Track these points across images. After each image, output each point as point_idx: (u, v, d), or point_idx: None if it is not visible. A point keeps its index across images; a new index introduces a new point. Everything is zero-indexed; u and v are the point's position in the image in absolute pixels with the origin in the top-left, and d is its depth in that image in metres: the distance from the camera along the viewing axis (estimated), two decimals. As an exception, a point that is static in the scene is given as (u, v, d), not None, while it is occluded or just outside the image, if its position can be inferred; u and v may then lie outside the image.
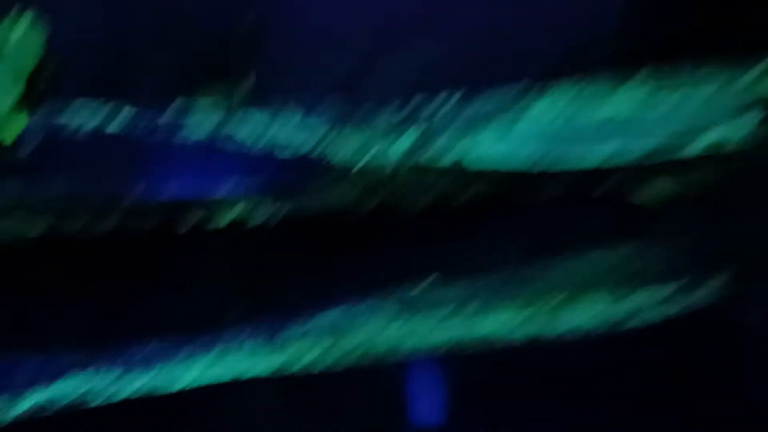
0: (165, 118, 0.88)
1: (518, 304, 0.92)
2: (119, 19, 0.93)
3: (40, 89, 0.76)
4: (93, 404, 0.83)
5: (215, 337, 0.89)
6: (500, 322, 0.90)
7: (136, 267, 0.90)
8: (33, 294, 0.86)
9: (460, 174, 0.92)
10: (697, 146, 0.93)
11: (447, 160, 0.91)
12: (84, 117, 0.85)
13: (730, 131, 0.93)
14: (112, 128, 0.86)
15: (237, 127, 0.90)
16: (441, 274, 0.93)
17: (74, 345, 0.86)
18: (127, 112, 0.86)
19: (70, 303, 0.87)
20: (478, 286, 0.93)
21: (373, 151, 0.91)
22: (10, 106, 0.74)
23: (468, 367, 0.90)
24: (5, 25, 0.72)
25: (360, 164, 0.91)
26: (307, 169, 0.90)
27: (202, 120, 0.89)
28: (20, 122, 0.73)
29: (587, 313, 0.91)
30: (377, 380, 0.90)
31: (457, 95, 0.94)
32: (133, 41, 0.94)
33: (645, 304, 0.92)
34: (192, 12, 0.96)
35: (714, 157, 0.93)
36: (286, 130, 0.91)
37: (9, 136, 0.74)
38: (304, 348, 0.88)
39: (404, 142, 0.92)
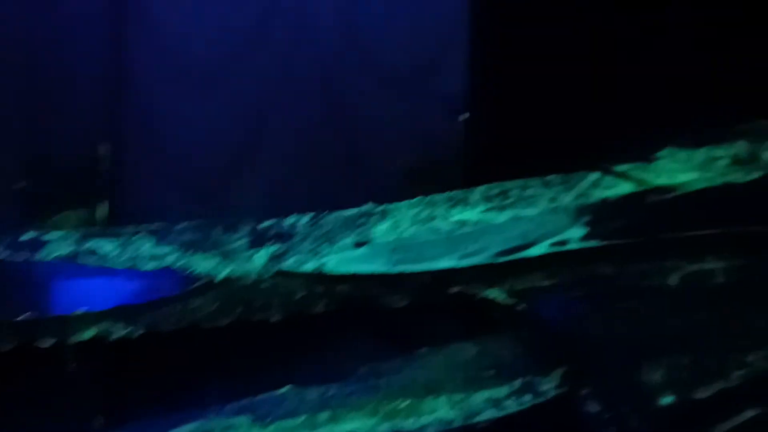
0: (23, 240, 0.88)
1: (365, 412, 0.93)
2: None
3: None
4: None
5: None
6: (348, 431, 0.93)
7: None
8: None
9: (319, 280, 0.93)
10: (533, 252, 0.97)
11: (306, 268, 0.93)
12: None
13: (564, 238, 0.97)
14: None
15: (95, 248, 0.89)
16: (295, 383, 0.93)
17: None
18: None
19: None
20: (329, 395, 0.94)
21: (231, 266, 0.92)
22: None
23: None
24: None
25: (219, 277, 0.91)
26: (167, 284, 0.91)
27: (60, 242, 0.89)
28: None
29: (428, 419, 0.93)
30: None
31: (309, 215, 0.96)
32: None
33: (481, 406, 0.94)
34: (48, 138, 0.99)
35: (548, 262, 0.97)
36: (142, 252, 0.91)
37: None
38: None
39: (262, 256, 0.93)
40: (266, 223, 1.03)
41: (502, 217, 1.09)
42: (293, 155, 1.16)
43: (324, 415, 1.01)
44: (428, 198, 1.09)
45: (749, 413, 1.01)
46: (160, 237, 1.00)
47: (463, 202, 1.10)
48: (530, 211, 1.10)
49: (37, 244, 0.93)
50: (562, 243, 1.08)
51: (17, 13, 1.01)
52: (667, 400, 1.00)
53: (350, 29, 1.18)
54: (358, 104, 1.20)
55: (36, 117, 1.04)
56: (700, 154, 1.15)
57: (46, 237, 0.93)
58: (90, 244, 0.97)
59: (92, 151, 1.05)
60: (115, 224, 1.00)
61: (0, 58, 1.00)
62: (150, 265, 0.98)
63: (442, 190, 1.08)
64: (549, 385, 1.04)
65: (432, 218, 1.10)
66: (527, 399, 1.03)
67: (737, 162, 1.11)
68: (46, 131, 1.05)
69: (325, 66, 1.17)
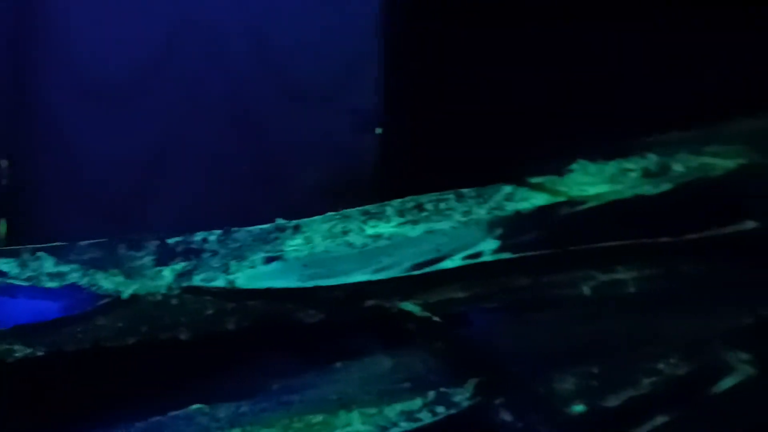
0: None
1: (277, 429, 0.91)
2: None
3: None
4: None
5: None
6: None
7: None
8: None
9: (229, 296, 0.91)
10: (447, 265, 0.96)
11: (216, 284, 0.91)
12: None
13: (477, 250, 0.96)
14: None
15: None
16: (205, 402, 0.91)
17: None
18: None
19: None
20: (240, 413, 0.92)
21: (136, 284, 0.90)
22: None
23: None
24: None
25: (124, 296, 0.89)
26: (70, 303, 0.88)
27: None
28: None
29: (341, 434, 0.98)
30: None
31: (219, 231, 0.94)
32: None
33: (395, 419, 0.93)
34: None
35: (462, 275, 0.96)
36: (43, 270, 0.88)
37: None
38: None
39: (169, 273, 0.91)
40: (173, 240, 1.01)
41: (417, 230, 1.08)
42: (203, 173, 1.13)
43: (235, 433, 1.00)
44: (342, 212, 1.09)
45: (660, 419, 1.01)
46: (62, 255, 0.96)
47: (378, 216, 1.09)
48: (444, 225, 1.10)
49: None
50: (476, 255, 1.09)
51: None
52: (578, 408, 1.01)
53: (260, 45, 1.17)
54: (269, 120, 1.18)
55: None
56: (611, 166, 1.16)
57: None
58: None
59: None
60: (13, 243, 0.99)
61: None
62: (51, 284, 0.95)
63: (356, 205, 1.09)
64: (462, 396, 1.02)
65: (346, 232, 1.08)
66: (441, 410, 1.03)
67: (647, 174, 1.13)
68: None
69: (235, 82, 1.15)
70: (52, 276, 0.94)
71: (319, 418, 1.00)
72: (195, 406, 0.98)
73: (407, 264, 1.04)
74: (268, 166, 1.15)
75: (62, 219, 1.03)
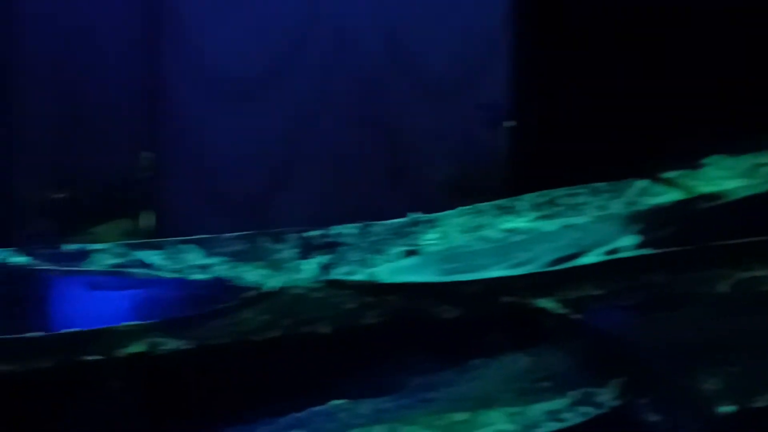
0: (67, 251, 0.83)
1: (421, 426, 0.88)
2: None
3: None
4: None
5: None
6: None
7: (38, 400, 0.83)
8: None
9: (369, 290, 0.88)
10: (585, 261, 0.92)
11: (356, 278, 0.88)
12: None
13: (616, 246, 0.92)
14: (12, 262, 0.81)
15: (141, 259, 0.85)
16: (347, 397, 0.89)
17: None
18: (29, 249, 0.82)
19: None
20: (382, 409, 0.89)
21: (280, 277, 0.87)
22: None
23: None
24: None
25: (268, 288, 0.86)
26: (213, 298, 0.85)
27: (105, 252, 0.84)
28: None
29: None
30: None
31: (357, 224, 0.92)
32: (19, 185, 0.92)
33: (540, 418, 0.90)
34: (87, 148, 0.94)
35: (601, 271, 0.92)
36: (190, 263, 0.86)
37: None
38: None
39: (311, 266, 0.89)
40: (314, 233, 0.99)
41: (553, 225, 1.03)
42: (335, 168, 1.09)
43: (378, 429, 0.95)
44: (475, 207, 1.05)
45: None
46: (208, 247, 0.94)
47: (511, 211, 1.05)
48: (581, 219, 1.06)
49: (80, 255, 0.85)
50: (614, 251, 1.04)
51: (53, 30, 0.98)
52: (727, 408, 0.96)
53: (391, 40, 1.14)
54: (400, 115, 1.14)
55: (74, 127, 0.99)
56: (745, 161, 1.11)
57: (90, 248, 0.86)
58: (136, 255, 0.92)
59: (133, 160, 1.03)
60: (159, 235, 0.98)
61: (39, 71, 0.99)
62: (198, 276, 0.94)
63: (488, 200, 1.06)
64: (607, 396, 0.97)
65: (480, 227, 1.05)
66: (586, 411, 0.98)
67: (781, 169, 1.08)
68: (85, 141, 1.01)
69: (366, 77, 1.12)
70: (199, 268, 0.92)
71: (461, 416, 0.96)
72: (336, 402, 0.96)
73: (545, 259, 1.00)
74: (398, 160, 1.11)
75: (200, 214, 1.03)
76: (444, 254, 0.98)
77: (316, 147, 1.08)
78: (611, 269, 0.99)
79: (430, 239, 0.99)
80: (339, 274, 0.94)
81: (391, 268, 0.96)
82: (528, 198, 1.01)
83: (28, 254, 0.84)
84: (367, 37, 1.09)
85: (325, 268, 0.94)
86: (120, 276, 0.86)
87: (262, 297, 0.90)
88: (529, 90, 1.12)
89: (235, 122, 1.04)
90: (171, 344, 0.86)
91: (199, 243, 0.91)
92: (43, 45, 0.96)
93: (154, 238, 0.91)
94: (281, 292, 0.91)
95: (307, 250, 0.95)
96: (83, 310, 0.84)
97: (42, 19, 0.94)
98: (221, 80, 1.04)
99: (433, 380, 0.97)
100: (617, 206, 1.01)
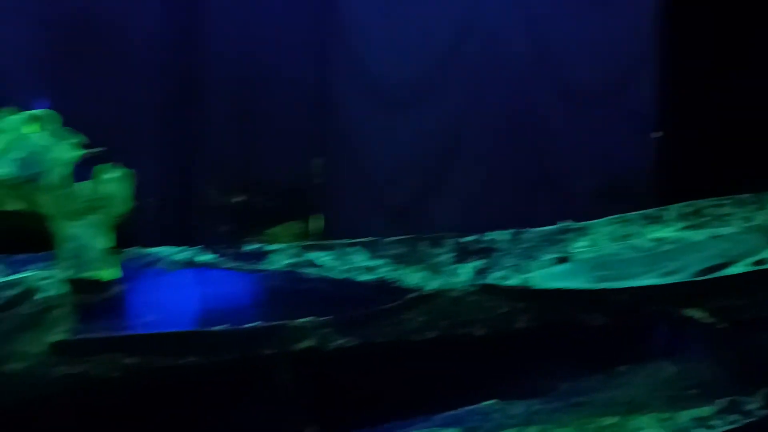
0: (247, 251, 0.87)
1: (571, 429, 0.90)
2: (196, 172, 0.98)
3: (130, 234, 0.84)
4: None
5: None
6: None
7: (216, 392, 0.87)
8: (117, 424, 0.84)
9: (522, 295, 0.90)
10: (732, 271, 0.92)
11: (510, 283, 0.90)
12: (168, 256, 0.85)
13: (763, 257, 0.92)
14: (199, 261, 0.85)
15: (313, 259, 0.88)
16: (500, 398, 0.91)
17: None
18: (208, 249, 0.86)
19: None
20: (534, 411, 0.91)
21: (439, 280, 0.90)
22: (106, 249, 0.79)
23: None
24: (102, 178, 0.80)
25: (428, 291, 0.89)
26: (377, 298, 0.88)
27: (281, 252, 0.88)
28: (114, 263, 0.79)
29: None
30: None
31: (510, 230, 0.94)
32: (203, 189, 0.96)
33: (689, 425, 0.90)
34: (264, 155, 0.97)
35: (747, 281, 0.92)
36: (357, 264, 0.89)
37: (105, 275, 0.79)
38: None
39: (467, 270, 0.91)
40: (468, 238, 1.02)
41: (700, 235, 1.04)
42: (486, 175, 1.12)
43: (532, 430, 0.99)
44: (622, 216, 1.07)
45: None
46: (372, 250, 0.96)
47: (658, 220, 1.05)
48: (727, 230, 1.06)
49: (259, 255, 0.88)
50: (762, 262, 1.04)
51: (234, 46, 1.03)
52: None
53: (541, 49, 1.15)
54: (548, 122, 1.16)
55: (252, 136, 1.05)
56: None
57: (268, 248, 0.89)
58: (308, 256, 0.96)
59: (305, 167, 1.07)
60: (327, 237, 1.01)
61: (221, 84, 1.02)
62: (364, 277, 0.98)
63: (634, 209, 1.07)
64: (755, 405, 0.97)
65: (629, 236, 1.06)
66: (734, 418, 0.99)
67: None
68: (261, 149, 1.05)
69: (515, 84, 1.12)
70: (366, 270, 0.97)
71: (611, 420, 0.98)
72: (489, 402, 0.99)
73: (693, 269, 1.00)
74: (546, 167, 1.14)
75: (363, 217, 1.06)
76: (594, 262, 0.99)
77: (467, 153, 1.11)
78: (758, 280, 0.99)
79: (581, 247, 1.00)
80: (493, 278, 0.96)
81: (544, 275, 0.98)
82: (674, 208, 1.01)
83: (212, 253, 0.90)
84: (516, 45, 1.10)
85: (480, 272, 0.96)
86: (294, 275, 0.91)
87: (422, 299, 0.94)
88: (676, 100, 1.13)
89: (394, 128, 1.07)
90: (339, 341, 0.91)
91: (364, 245, 0.94)
92: (225, 60, 1.01)
93: (322, 239, 0.96)
94: (439, 294, 0.95)
95: (463, 254, 0.97)
96: (262, 306, 0.89)
97: (224, 36, 0.99)
98: (383, 87, 1.06)
99: (582, 385, 0.98)
100: (762, 217, 1.01)
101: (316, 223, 0.99)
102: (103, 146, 0.83)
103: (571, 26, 1.09)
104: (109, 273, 0.80)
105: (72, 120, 0.85)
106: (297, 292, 0.89)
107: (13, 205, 0.79)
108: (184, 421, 0.88)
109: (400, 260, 0.93)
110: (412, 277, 0.93)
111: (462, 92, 1.08)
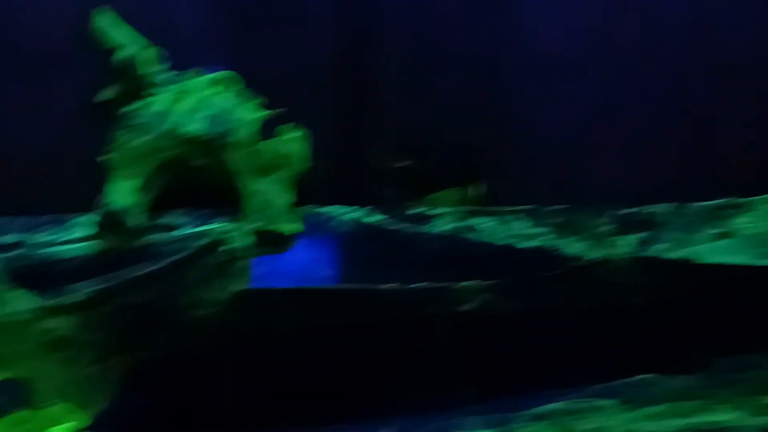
0: (412, 214, 0.89)
1: (732, 406, 0.88)
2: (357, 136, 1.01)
3: (305, 193, 0.84)
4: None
5: (445, 422, 0.88)
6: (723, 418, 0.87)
7: (380, 348, 0.89)
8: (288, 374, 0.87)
9: (682, 268, 0.89)
10: None
11: (671, 256, 0.90)
12: (341, 215, 0.87)
13: None
14: (369, 221, 0.87)
15: (476, 225, 0.89)
16: (658, 371, 0.90)
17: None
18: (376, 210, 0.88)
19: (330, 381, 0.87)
20: (693, 386, 0.90)
21: (599, 250, 0.90)
22: (288, 205, 0.82)
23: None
24: (284, 138, 0.83)
25: (589, 260, 0.89)
26: (538, 265, 0.89)
27: (444, 217, 0.89)
28: (295, 219, 0.82)
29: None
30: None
31: (673, 204, 0.92)
32: (372, 153, 0.98)
33: None
34: (430, 122, 0.99)
35: None
36: (519, 231, 0.90)
37: (288, 229, 0.82)
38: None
39: (629, 241, 0.90)
40: (629, 210, 1.02)
41: None
42: (644, 148, 1.13)
43: (690, 405, 0.96)
44: (781, 193, 1.04)
45: None
46: (534, 217, 0.96)
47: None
48: None
49: (424, 218, 0.89)
50: None
51: (408, 15, 1.04)
52: None
53: (696, 24, 1.13)
54: (704, 98, 1.11)
55: (421, 103, 1.06)
56: None
57: (432, 212, 0.90)
58: (472, 221, 0.98)
59: (469, 135, 1.08)
60: (489, 204, 1.02)
61: (394, 60, 1.03)
62: (525, 244, 0.98)
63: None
64: None
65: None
66: None
67: None
68: (428, 118, 1.09)
69: (672, 60, 1.12)
70: (528, 237, 0.97)
71: (772, 399, 0.97)
72: (646, 375, 0.98)
73: None
74: (703, 142, 1.12)
75: (523, 185, 1.07)
76: (757, 238, 0.97)
77: (626, 125, 1.10)
78: None
79: (743, 223, 0.99)
80: (655, 251, 0.96)
81: (706, 249, 0.96)
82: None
83: (380, 214, 0.92)
84: (671, 20, 1.09)
85: (643, 244, 0.96)
86: (457, 239, 0.93)
87: (583, 268, 0.94)
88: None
89: (556, 100, 1.07)
90: (501, 305, 0.92)
91: (525, 213, 0.95)
92: (399, 30, 1.01)
93: (484, 206, 0.97)
94: (601, 264, 0.94)
95: (624, 225, 0.97)
96: (427, 267, 0.91)
97: (398, 7, 1.01)
98: (545, 61, 1.06)
99: (741, 361, 0.97)
100: None
101: (478, 189, 1.00)
102: (281, 108, 0.86)
103: (725, 1, 1.06)
104: (291, 227, 0.83)
105: (252, 83, 0.89)
106: (460, 255, 0.90)
107: (200, 161, 0.84)
108: (348, 374, 0.91)
109: (561, 229, 0.93)
110: (573, 246, 0.93)
111: (620, 66, 1.06)
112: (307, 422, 0.89)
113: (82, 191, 0.84)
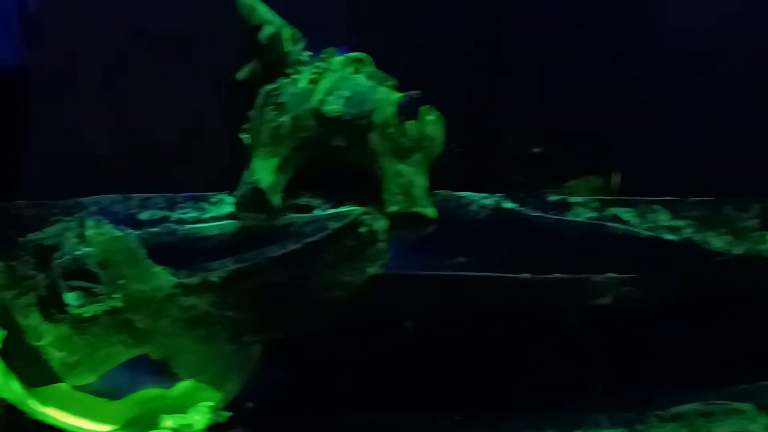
0: (550, 202, 0.86)
1: None
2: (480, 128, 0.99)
3: (441, 177, 0.82)
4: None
5: (576, 419, 0.86)
6: None
7: (506, 342, 0.88)
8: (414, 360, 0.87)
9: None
10: None
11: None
12: (475, 201, 0.85)
13: None
14: (504, 207, 0.85)
15: (616, 215, 0.86)
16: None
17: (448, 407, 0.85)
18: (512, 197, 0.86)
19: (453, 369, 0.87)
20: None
21: (744, 245, 0.86)
22: (425, 189, 0.80)
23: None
24: (426, 119, 0.81)
25: (734, 255, 0.85)
26: (682, 259, 0.85)
27: (583, 206, 0.87)
28: (431, 204, 0.80)
29: None
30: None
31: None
32: (505, 138, 0.94)
33: None
34: (567, 112, 0.95)
35: None
36: (660, 222, 0.86)
37: (427, 212, 0.80)
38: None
39: None
40: (770, 202, 0.97)
41: None
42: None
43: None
44: None
45: None
46: (673, 209, 0.89)
47: None
48: None
49: (562, 206, 0.86)
50: None
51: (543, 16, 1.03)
52: None
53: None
54: None
55: (554, 87, 1.04)
56: None
57: (571, 200, 0.86)
58: (611, 211, 0.88)
59: (605, 122, 1.04)
60: (624, 194, 0.96)
61: (525, 35, 1.03)
62: (668, 236, 0.94)
63: None
64: None
65: None
66: None
67: None
68: (563, 101, 1.04)
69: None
70: (668, 228, 0.94)
71: None
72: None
73: None
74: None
75: (654, 174, 1.03)
76: None
77: (760, 118, 1.05)
78: None
79: None
80: (802, 248, 0.92)
81: None
82: None
83: (515, 201, 0.90)
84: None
85: (788, 241, 0.92)
86: (597, 229, 0.90)
87: (729, 263, 0.90)
88: None
89: (693, 90, 1.03)
90: (639, 300, 0.89)
91: (665, 204, 0.92)
92: (532, 17, 1.00)
93: (620, 196, 0.94)
94: (747, 260, 0.90)
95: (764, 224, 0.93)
96: (564, 258, 0.88)
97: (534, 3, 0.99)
98: (686, 48, 1.02)
99: None
100: None
101: (614, 179, 0.97)
102: (415, 90, 0.85)
103: None
104: (428, 211, 0.81)
105: (383, 65, 0.87)
106: (599, 246, 0.87)
107: (339, 142, 0.83)
108: (476, 363, 0.89)
109: (703, 222, 0.89)
110: (716, 240, 0.89)
111: (749, 53, 1.02)
112: (434, 408, 0.87)
113: (222, 169, 0.85)
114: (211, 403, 0.76)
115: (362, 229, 0.80)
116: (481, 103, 0.94)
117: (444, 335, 0.85)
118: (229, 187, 0.82)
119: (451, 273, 0.82)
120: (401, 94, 0.82)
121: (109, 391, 0.80)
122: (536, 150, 0.94)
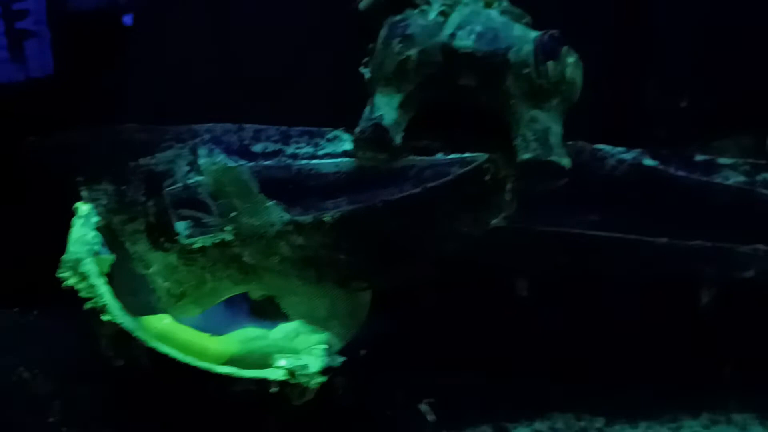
0: (697, 161, 0.79)
1: None
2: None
3: (577, 126, 0.75)
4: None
5: (703, 399, 0.82)
6: None
7: (630, 311, 0.81)
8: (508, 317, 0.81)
9: None
10: None
11: None
12: (612, 155, 0.78)
13: None
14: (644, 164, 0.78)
15: (763, 182, 0.79)
16: None
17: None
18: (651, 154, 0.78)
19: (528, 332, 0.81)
20: None
21: None
22: (561, 138, 0.74)
23: None
24: (567, 61, 0.74)
25: None
26: None
27: (732, 168, 0.79)
28: (567, 154, 0.74)
29: None
30: None
31: None
32: (649, 89, 0.86)
33: None
34: (719, 63, 0.86)
35: None
36: None
37: (562, 162, 0.74)
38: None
39: None
40: None
41: None
42: None
43: None
44: None
45: None
46: None
47: None
48: None
49: (708, 167, 0.77)
50: None
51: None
52: None
53: None
54: None
55: (709, 37, 0.95)
56: None
57: (719, 161, 0.78)
58: (764, 176, 0.79)
59: (763, 78, 0.93)
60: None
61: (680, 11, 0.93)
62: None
63: None
64: None
65: None
66: None
67: None
68: (712, 52, 0.96)
69: None
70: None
71: None
72: None
73: None
74: None
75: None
76: None
77: None
78: None
79: None
80: None
81: None
82: None
83: (656, 158, 0.82)
84: None
85: None
86: (748, 195, 0.82)
87: None
88: None
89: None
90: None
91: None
92: None
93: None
94: None
95: None
96: (708, 224, 0.81)
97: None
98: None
99: None
100: None
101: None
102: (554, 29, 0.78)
103: None
104: (565, 161, 0.75)
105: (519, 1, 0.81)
106: (748, 214, 0.79)
107: (469, 81, 0.77)
108: (593, 333, 0.83)
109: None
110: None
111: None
112: (544, 377, 0.82)
113: (339, 104, 0.80)
114: (326, 347, 0.73)
115: (487, 177, 0.74)
116: (625, 47, 0.86)
117: (564, 301, 0.79)
118: (346, 122, 0.78)
119: (581, 231, 0.76)
120: (539, 33, 0.75)
121: (208, 326, 0.78)
122: (683, 103, 0.86)
